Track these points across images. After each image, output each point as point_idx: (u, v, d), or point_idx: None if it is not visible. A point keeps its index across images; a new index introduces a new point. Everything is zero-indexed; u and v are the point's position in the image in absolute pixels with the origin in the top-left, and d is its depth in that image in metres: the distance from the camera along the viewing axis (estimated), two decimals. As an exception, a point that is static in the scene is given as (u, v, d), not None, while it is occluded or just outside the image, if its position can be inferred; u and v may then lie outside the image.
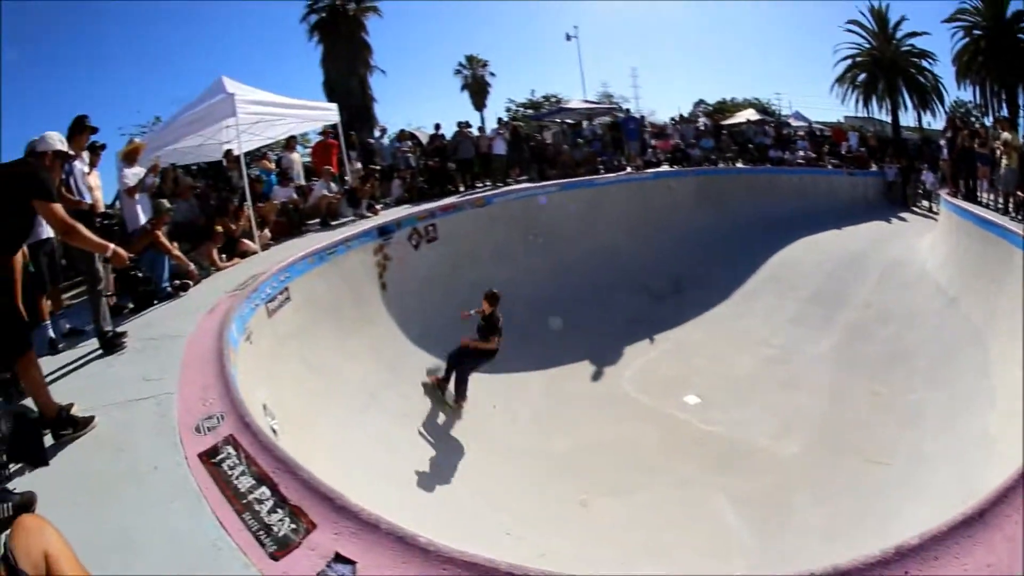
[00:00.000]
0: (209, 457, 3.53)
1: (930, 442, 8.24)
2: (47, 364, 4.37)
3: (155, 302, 7.96)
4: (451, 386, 9.47)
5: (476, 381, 9.72)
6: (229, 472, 3.38)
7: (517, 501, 7.43)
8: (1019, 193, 12.72)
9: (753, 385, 11.06)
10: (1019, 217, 12.20)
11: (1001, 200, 13.74)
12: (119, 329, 6.33)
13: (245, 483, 3.28)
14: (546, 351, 11.74)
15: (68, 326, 7.40)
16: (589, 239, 16.35)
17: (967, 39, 35.49)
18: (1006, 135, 13.68)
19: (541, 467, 8.35)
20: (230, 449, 3.58)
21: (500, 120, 21.80)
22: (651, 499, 7.74)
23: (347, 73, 32.37)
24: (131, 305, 8.02)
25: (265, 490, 3.20)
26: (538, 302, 13.38)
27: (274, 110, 12.39)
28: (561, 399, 10.41)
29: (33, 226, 4.46)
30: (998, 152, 13.81)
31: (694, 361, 12.09)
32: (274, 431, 5.19)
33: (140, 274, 7.50)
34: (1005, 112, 32.06)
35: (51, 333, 6.85)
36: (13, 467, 3.45)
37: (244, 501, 3.14)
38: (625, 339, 12.88)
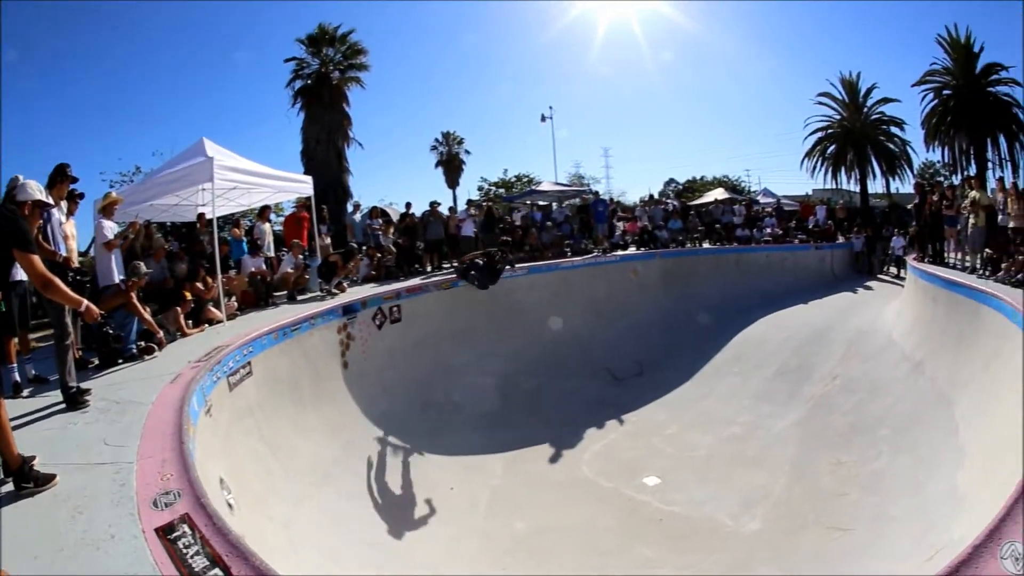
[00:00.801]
0: (165, 533, 3.55)
1: (893, 505, 8.23)
2: (8, 408, 4.38)
3: (120, 361, 7.99)
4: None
5: (434, 462, 9.97)
6: (184, 550, 3.41)
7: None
8: (987, 251, 13.14)
9: (714, 464, 11.06)
10: (986, 274, 12.53)
11: (968, 260, 14.09)
12: (83, 386, 6.34)
13: (199, 563, 3.31)
14: (507, 433, 11.72)
15: (33, 372, 7.42)
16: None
17: (936, 100, 36.13)
18: (974, 193, 14.09)
19: (498, 549, 8.19)
20: (186, 528, 3.61)
21: (469, 201, 21.91)
22: (611, 582, 7.57)
23: (326, 143, 32.22)
24: (96, 361, 8.05)
25: (219, 572, 3.24)
26: (499, 384, 13.52)
27: (251, 179, 12.46)
28: (520, 481, 10.30)
29: (9, 272, 4.56)
30: (966, 212, 14.15)
31: (654, 442, 12.05)
32: (230, 505, 5.20)
33: (111, 331, 7.51)
34: (973, 170, 32.52)
35: (16, 376, 6.87)
36: None
37: (198, 581, 3.18)
38: (586, 422, 12.82)
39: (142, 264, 9.01)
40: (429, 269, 16.93)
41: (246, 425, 7.67)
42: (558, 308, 17.13)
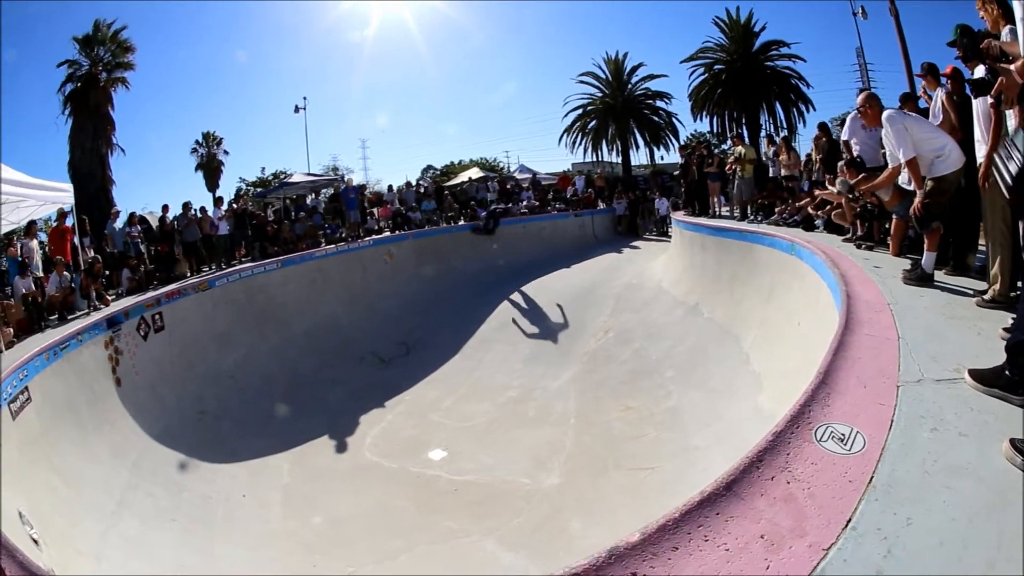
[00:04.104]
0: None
1: (694, 437, 8.65)
2: None
3: None
4: None
5: (222, 472, 9.72)
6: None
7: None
8: (759, 200, 14.53)
9: (497, 429, 11.27)
10: (758, 219, 13.84)
11: (737, 210, 15.46)
12: None
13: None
14: (285, 432, 11.56)
15: None
16: (312, 313, 16.65)
17: (706, 75, 38.72)
18: (740, 148, 15.53)
19: (303, 548, 7.95)
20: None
21: (218, 199, 20.98)
22: (419, 559, 7.52)
23: (90, 151, 29.67)
24: None
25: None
26: (267, 383, 13.33)
27: (15, 189, 11.17)
28: (308, 477, 10.05)
29: None
30: (734, 167, 15.52)
31: (432, 417, 12.17)
32: (35, 541, 5.14)
33: None
34: (746, 134, 34.40)
35: None
36: None
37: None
38: (360, 408, 12.76)
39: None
40: (188, 273, 16.26)
41: (36, 454, 7.32)
42: (315, 299, 17.18)
